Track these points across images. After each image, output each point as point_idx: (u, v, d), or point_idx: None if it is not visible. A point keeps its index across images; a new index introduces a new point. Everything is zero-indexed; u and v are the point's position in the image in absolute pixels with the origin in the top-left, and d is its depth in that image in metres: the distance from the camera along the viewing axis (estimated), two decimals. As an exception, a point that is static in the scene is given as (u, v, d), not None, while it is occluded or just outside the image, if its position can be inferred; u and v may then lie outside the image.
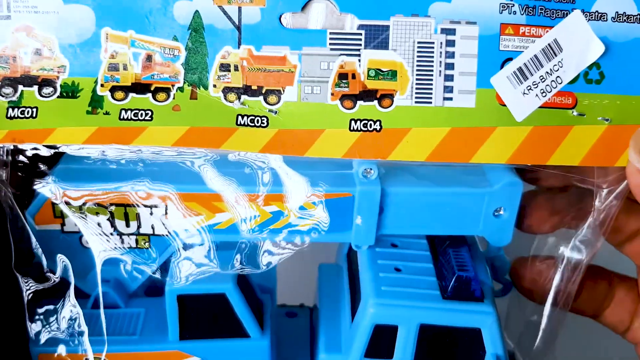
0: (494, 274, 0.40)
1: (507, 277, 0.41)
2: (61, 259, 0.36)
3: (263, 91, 0.34)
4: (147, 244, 0.37)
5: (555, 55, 0.34)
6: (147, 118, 0.34)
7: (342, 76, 0.34)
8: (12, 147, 0.34)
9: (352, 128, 0.34)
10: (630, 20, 0.34)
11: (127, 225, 0.36)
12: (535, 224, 0.38)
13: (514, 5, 0.34)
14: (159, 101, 0.34)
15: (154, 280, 0.39)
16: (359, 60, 0.34)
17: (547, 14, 0.34)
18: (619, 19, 0.34)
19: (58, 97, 0.33)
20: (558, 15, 0.34)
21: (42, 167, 0.35)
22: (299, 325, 0.44)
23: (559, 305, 0.39)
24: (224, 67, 0.34)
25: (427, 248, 0.39)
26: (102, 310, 0.36)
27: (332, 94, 0.34)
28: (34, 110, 0.33)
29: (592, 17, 0.34)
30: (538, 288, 0.39)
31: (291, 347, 0.40)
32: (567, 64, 0.34)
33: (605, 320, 0.41)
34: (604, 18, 0.34)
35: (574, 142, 0.34)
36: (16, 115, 0.33)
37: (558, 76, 0.34)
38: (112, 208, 0.35)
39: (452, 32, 0.34)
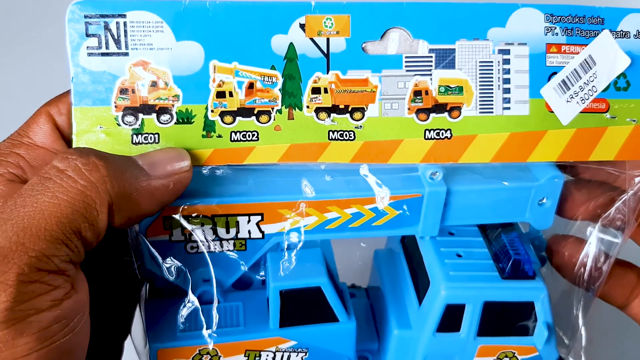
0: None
1: (543, 253, 0.47)
2: (173, 265, 0.40)
3: (349, 109, 0.39)
4: (243, 246, 0.41)
5: (591, 68, 0.40)
6: (254, 138, 0.38)
7: (417, 93, 0.40)
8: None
9: (426, 137, 0.40)
10: (649, 37, 0.41)
11: (227, 232, 0.41)
12: (570, 210, 0.44)
13: (556, 28, 0.40)
14: (262, 123, 0.39)
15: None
16: (431, 79, 0.40)
17: (583, 34, 0.40)
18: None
19: (175, 123, 0.38)
20: (591, 34, 0.40)
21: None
22: (360, 304, 0.49)
23: (586, 284, 0.43)
24: (316, 90, 0.39)
25: (480, 234, 0.45)
26: (215, 307, 0.40)
27: (408, 109, 0.40)
28: (156, 136, 0.38)
29: (618, 35, 0.40)
30: (569, 265, 0.44)
31: (358, 324, 0.45)
32: (600, 75, 0.41)
33: (631, 312, 0.44)
34: (627, 36, 0.40)
35: (608, 141, 0.41)
36: (140, 141, 0.38)
37: (593, 85, 0.41)
38: (215, 218, 0.40)
39: (507, 52, 0.40)
